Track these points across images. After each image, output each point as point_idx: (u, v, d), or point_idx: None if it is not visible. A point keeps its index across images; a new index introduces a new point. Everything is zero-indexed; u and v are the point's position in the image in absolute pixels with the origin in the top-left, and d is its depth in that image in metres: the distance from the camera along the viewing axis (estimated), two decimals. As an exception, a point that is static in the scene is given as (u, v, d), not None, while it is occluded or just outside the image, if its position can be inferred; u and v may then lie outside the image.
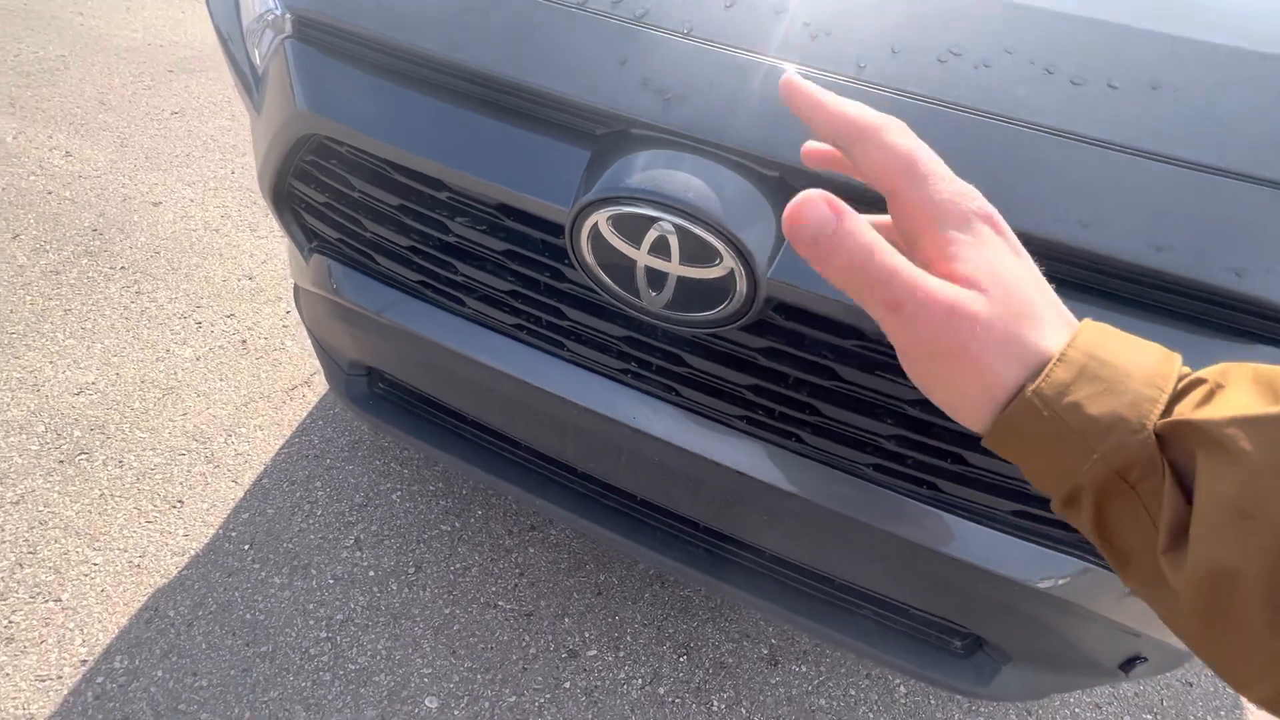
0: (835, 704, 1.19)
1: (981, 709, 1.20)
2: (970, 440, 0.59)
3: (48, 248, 1.84)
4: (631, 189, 0.51)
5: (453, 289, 0.73)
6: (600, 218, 0.53)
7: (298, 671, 1.14)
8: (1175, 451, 0.25)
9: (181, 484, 1.37)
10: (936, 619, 0.85)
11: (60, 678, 1.10)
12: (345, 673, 1.15)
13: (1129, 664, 0.81)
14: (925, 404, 0.58)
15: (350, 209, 0.73)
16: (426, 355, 0.82)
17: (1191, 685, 1.29)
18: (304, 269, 0.95)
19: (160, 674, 1.12)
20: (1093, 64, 0.49)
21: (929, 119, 0.50)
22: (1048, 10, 0.52)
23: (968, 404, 0.27)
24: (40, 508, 1.31)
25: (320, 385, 1.59)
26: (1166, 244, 0.45)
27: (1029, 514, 0.63)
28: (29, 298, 1.70)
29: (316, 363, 1.63)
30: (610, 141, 0.55)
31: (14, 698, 1.08)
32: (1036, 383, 0.26)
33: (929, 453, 0.60)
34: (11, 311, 1.66)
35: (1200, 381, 0.26)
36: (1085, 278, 0.49)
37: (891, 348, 0.55)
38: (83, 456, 1.39)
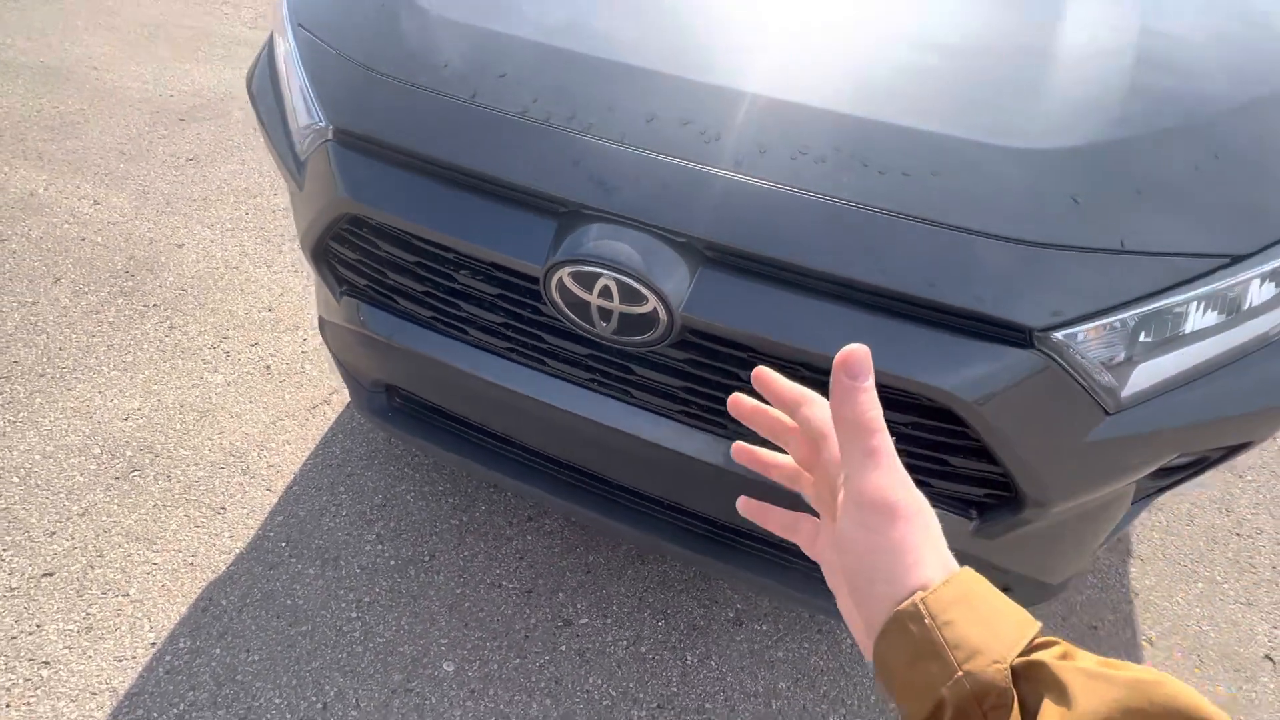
0: (791, 655, 1.40)
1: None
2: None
3: (86, 290, 2.05)
4: (583, 254, 0.73)
5: (458, 322, 0.95)
6: (564, 272, 0.75)
7: (334, 645, 1.35)
8: (1026, 690, 0.28)
9: (223, 493, 1.58)
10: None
11: (134, 658, 1.31)
12: (374, 645, 1.36)
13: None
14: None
15: (377, 263, 0.95)
16: (438, 373, 1.04)
17: (1096, 629, 1.51)
18: (334, 307, 1.17)
19: (219, 651, 1.33)
20: (891, 158, 0.72)
21: (786, 199, 0.73)
22: (863, 118, 0.75)
23: (874, 590, 0.30)
24: (103, 518, 1.51)
25: (338, 403, 1.80)
26: (937, 280, 0.67)
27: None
28: (74, 335, 1.91)
29: (334, 384, 1.84)
30: (569, 218, 0.77)
31: (98, 675, 1.28)
32: (926, 593, 0.29)
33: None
34: (60, 349, 1.87)
35: (1056, 643, 0.29)
36: (882, 305, 0.71)
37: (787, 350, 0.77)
38: (136, 473, 1.60)
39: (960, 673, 0.27)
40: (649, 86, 0.80)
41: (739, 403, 0.42)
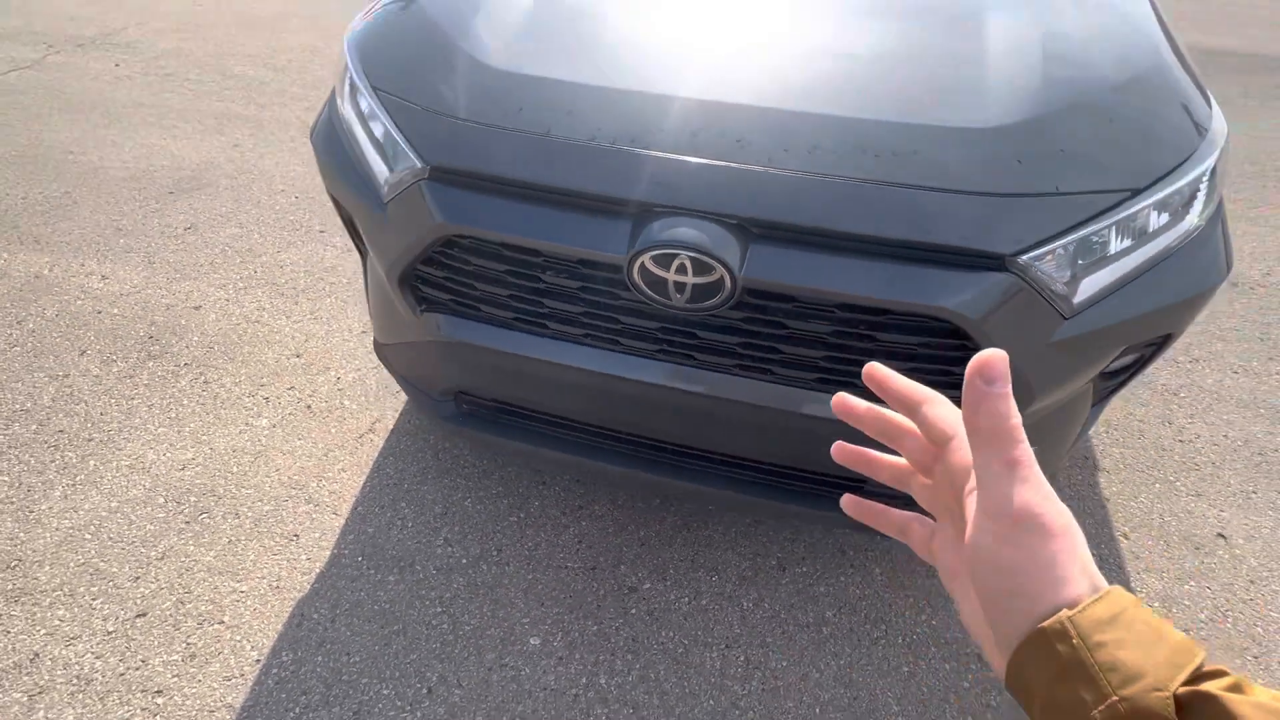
0: (832, 589, 1.60)
1: (936, 571, 1.63)
2: (871, 352, 1.03)
3: (114, 358, 2.13)
4: (662, 240, 0.94)
5: (539, 318, 1.13)
6: (645, 258, 0.95)
7: (426, 638, 1.48)
8: None
9: (292, 522, 1.69)
10: (884, 489, 1.28)
11: (243, 675, 1.41)
12: (463, 633, 1.49)
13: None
14: (842, 335, 1.02)
15: (465, 277, 1.13)
16: (515, 366, 1.22)
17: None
18: (402, 329, 1.34)
19: (320, 659, 1.44)
20: (884, 145, 0.96)
21: (809, 182, 0.96)
22: (858, 118, 1.00)
23: (1012, 605, 0.28)
24: (182, 558, 1.61)
25: (383, 430, 1.94)
26: (930, 227, 0.91)
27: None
28: (113, 401, 1.99)
29: (377, 413, 1.97)
30: (641, 216, 0.98)
31: (211, 695, 1.37)
32: (1075, 611, 0.26)
33: (847, 364, 1.04)
34: (101, 414, 1.95)
35: (1224, 673, 0.26)
36: (892, 252, 0.94)
37: (811, 307, 0.99)
38: (204, 515, 1.70)
39: (1115, 697, 0.25)
40: (688, 109, 1.02)
41: (848, 404, 0.39)
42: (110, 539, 1.64)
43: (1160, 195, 1.01)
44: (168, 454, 1.84)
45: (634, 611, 1.54)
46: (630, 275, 0.98)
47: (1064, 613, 0.27)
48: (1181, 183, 1.02)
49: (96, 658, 1.42)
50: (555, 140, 1.02)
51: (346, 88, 1.29)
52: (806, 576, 1.62)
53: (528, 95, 1.07)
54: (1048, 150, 0.98)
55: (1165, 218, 1.05)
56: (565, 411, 1.30)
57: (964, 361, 1.04)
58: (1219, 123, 1.12)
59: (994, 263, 0.93)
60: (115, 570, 1.57)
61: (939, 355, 1.01)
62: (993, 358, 0.30)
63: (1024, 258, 0.93)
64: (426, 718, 1.35)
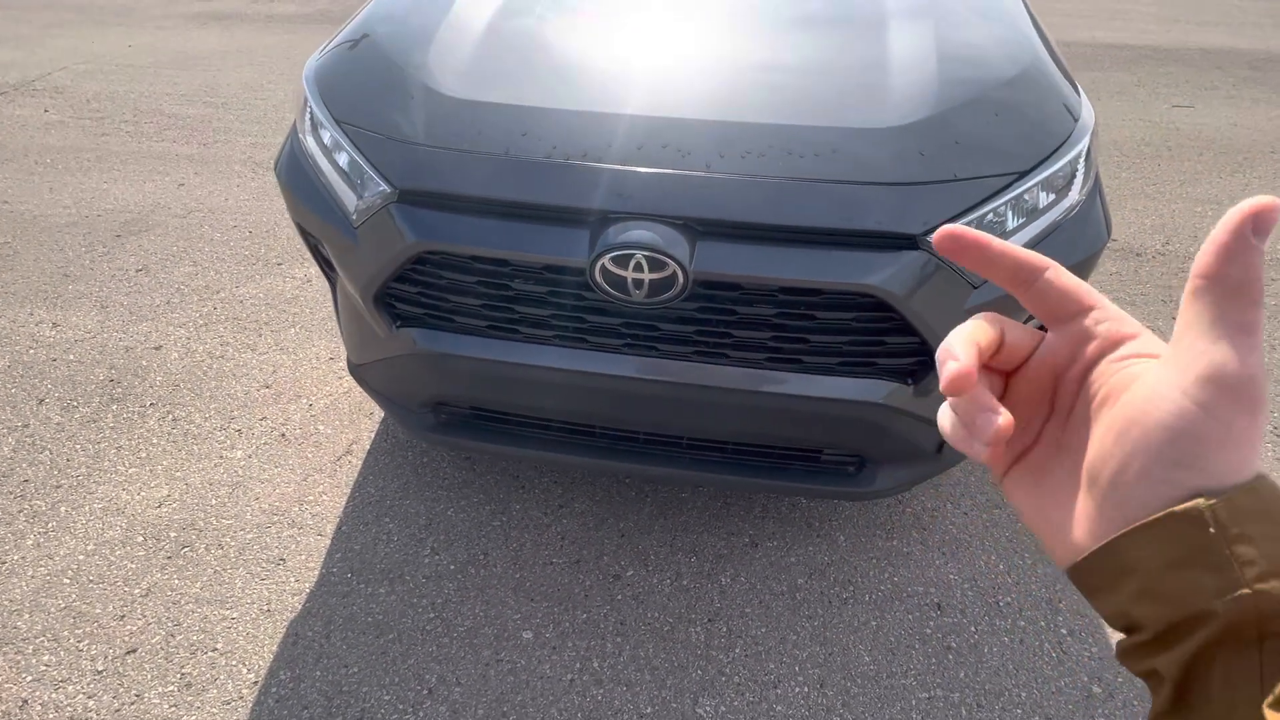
0: (801, 558, 1.72)
1: (894, 531, 1.76)
2: (810, 329, 1.16)
3: (75, 404, 2.11)
4: (619, 243, 1.04)
5: (511, 324, 1.22)
6: (605, 259, 1.06)
7: (422, 643, 1.53)
8: None
9: (277, 547, 1.72)
10: (837, 456, 1.41)
11: (242, 697, 1.43)
12: (457, 634, 1.55)
13: (940, 447, 1.40)
14: (785, 315, 1.14)
15: (437, 291, 1.22)
16: (491, 371, 1.30)
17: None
18: (378, 345, 1.41)
19: (319, 673, 1.48)
20: (806, 147, 1.10)
21: (744, 183, 1.08)
22: (782, 124, 1.13)
23: (1170, 476, 0.24)
24: (168, 593, 1.62)
25: (360, 452, 1.98)
26: (850, 216, 1.05)
27: (851, 364, 1.20)
28: (78, 446, 1.97)
29: (352, 435, 2.01)
30: (599, 222, 1.08)
31: (211, 719, 1.40)
32: (1219, 499, 0.24)
33: (792, 341, 1.17)
34: (68, 460, 1.93)
35: None
36: (820, 239, 1.07)
37: (757, 293, 1.11)
38: (186, 549, 1.71)
39: (1248, 590, 0.23)
40: (633, 125, 1.14)
41: (954, 233, 0.31)
42: (90, 581, 1.63)
43: (1044, 175, 1.17)
44: (142, 493, 1.84)
45: (620, 597, 1.62)
46: (593, 276, 1.08)
47: (1201, 500, 0.24)
48: (1061, 163, 1.19)
49: (89, 698, 1.42)
50: (514, 159, 1.12)
51: (308, 121, 1.36)
52: (777, 549, 1.73)
53: (485, 120, 1.17)
54: (945, 143, 1.13)
55: (1051, 196, 1.22)
56: (541, 411, 1.39)
57: (892, 332, 1.17)
58: (1088, 110, 1.30)
59: (907, 242, 1.07)
60: (99, 611, 1.57)
61: (870, 327, 1.15)
62: (1269, 205, 0.24)
63: (932, 236, 1.07)
64: (429, 717, 1.40)
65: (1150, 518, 0.25)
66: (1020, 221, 1.18)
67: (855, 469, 1.42)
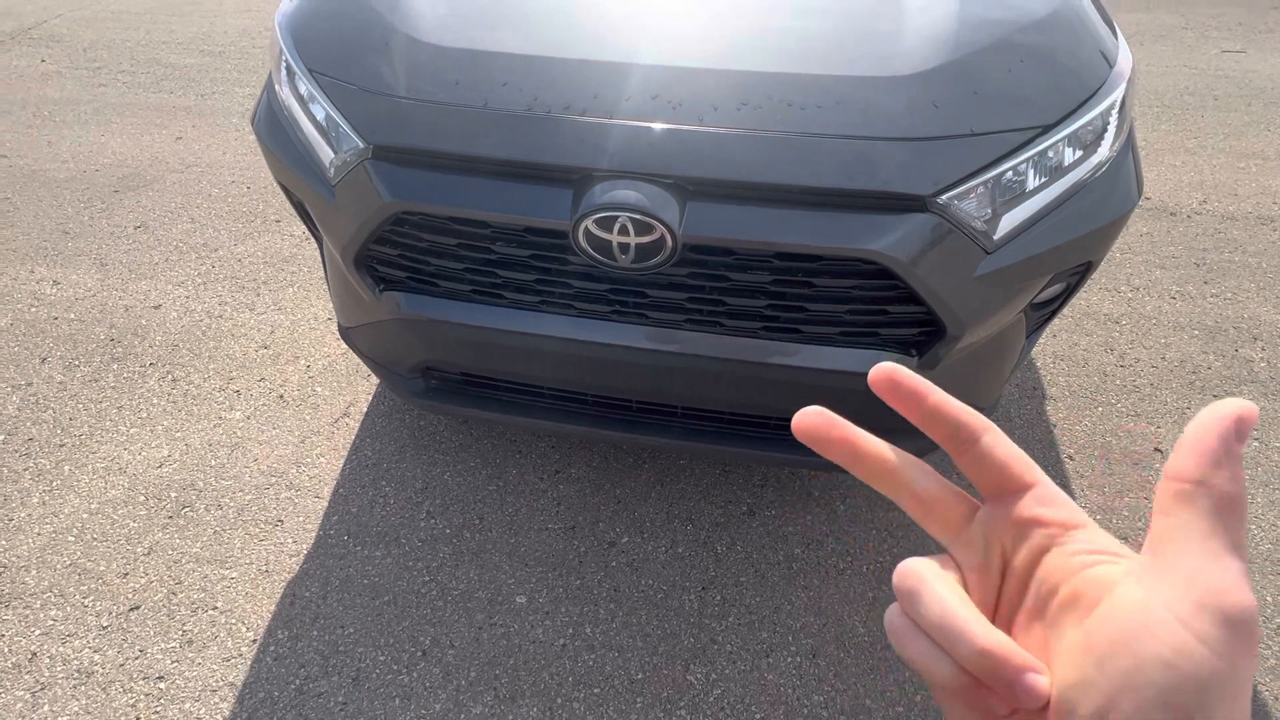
0: (799, 528, 1.69)
1: (894, 504, 1.72)
2: (809, 297, 1.09)
3: (77, 362, 2.11)
4: (602, 204, 0.97)
5: (495, 288, 1.17)
6: (588, 221, 0.99)
7: (417, 606, 1.54)
8: None
9: (275, 509, 1.73)
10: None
11: (241, 654, 1.46)
12: (452, 597, 1.55)
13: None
14: (782, 282, 1.07)
15: (419, 253, 1.16)
16: (477, 337, 1.26)
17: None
18: (364, 311, 1.37)
19: (315, 633, 1.50)
20: (807, 98, 1.00)
21: (738, 138, 1.00)
22: (782, 73, 1.03)
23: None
24: (170, 552, 1.64)
25: (357, 414, 1.97)
26: (855, 174, 0.96)
27: (851, 334, 1.14)
28: (80, 405, 1.98)
29: (350, 397, 2.00)
30: (582, 181, 1.01)
31: (211, 676, 1.43)
32: None
33: (789, 310, 1.10)
34: (71, 420, 1.94)
35: None
36: (821, 201, 0.99)
37: (749, 260, 1.04)
38: (186, 509, 1.73)
39: None
40: (619, 75, 1.05)
41: (892, 376, 0.29)
42: (94, 539, 1.66)
43: (1071, 129, 1.07)
44: (143, 453, 1.85)
45: (614, 564, 1.62)
46: (575, 239, 1.02)
47: None
48: (1091, 115, 1.08)
49: (95, 651, 1.46)
50: (493, 112, 1.04)
51: (283, 72, 1.29)
52: (775, 519, 1.70)
53: (463, 69, 1.09)
54: (962, 93, 1.03)
55: (1078, 152, 1.11)
56: (529, 377, 1.35)
57: (897, 301, 1.10)
58: (1125, 56, 1.18)
59: (916, 204, 0.98)
60: (103, 568, 1.60)
61: (873, 296, 1.07)
62: (1247, 409, 0.22)
63: (943, 197, 0.99)
64: (423, 677, 1.42)
65: None
66: (1041, 181, 1.09)
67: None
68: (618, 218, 0.98)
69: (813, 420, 0.29)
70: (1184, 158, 3.13)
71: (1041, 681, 0.24)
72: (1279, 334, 2.21)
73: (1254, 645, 0.22)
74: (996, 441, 0.28)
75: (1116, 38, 1.21)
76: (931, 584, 0.26)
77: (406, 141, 1.06)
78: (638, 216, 0.97)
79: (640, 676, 1.42)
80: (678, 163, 0.99)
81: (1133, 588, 0.23)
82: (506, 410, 1.42)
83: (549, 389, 1.40)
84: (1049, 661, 0.24)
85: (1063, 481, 1.79)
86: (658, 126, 1.00)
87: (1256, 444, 1.88)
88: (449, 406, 1.44)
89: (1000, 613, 0.27)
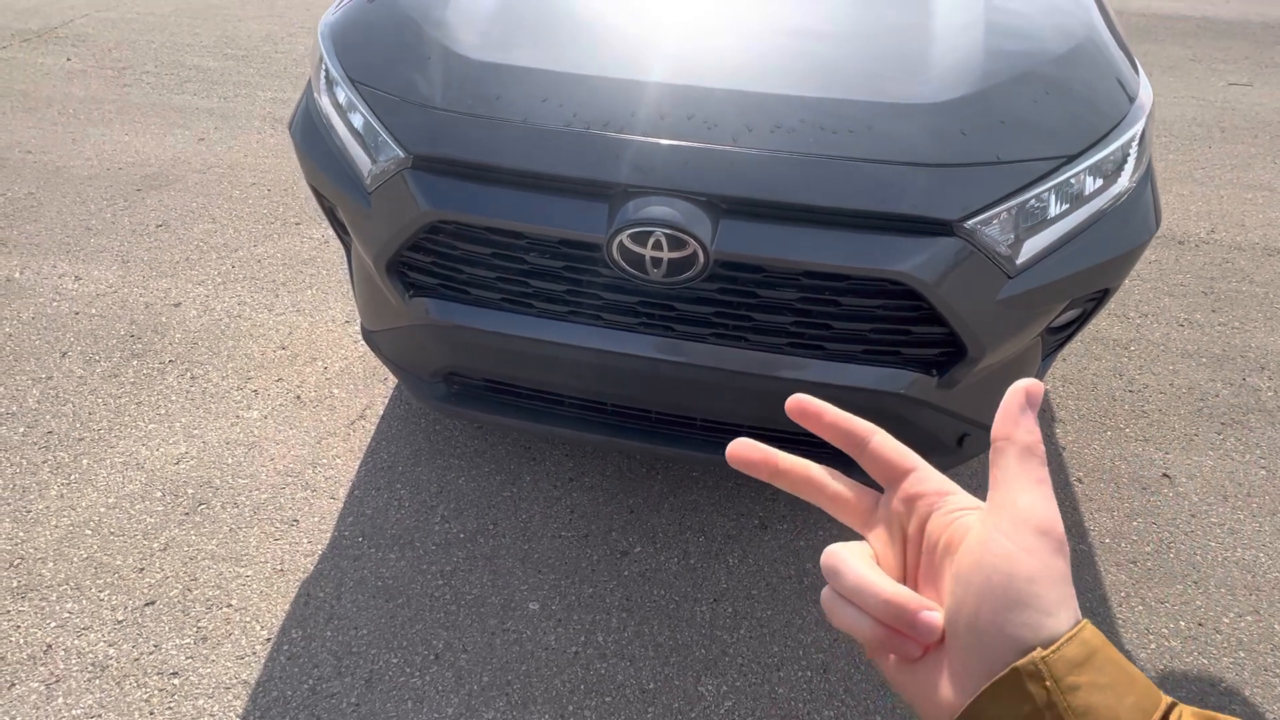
0: (811, 543, 1.70)
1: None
2: (834, 315, 1.11)
3: (97, 358, 2.14)
4: (638, 219, 1.00)
5: (525, 297, 1.19)
6: (623, 236, 1.01)
7: (430, 609, 1.55)
8: None
9: (291, 508, 1.74)
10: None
11: (255, 653, 1.47)
12: (465, 602, 1.56)
13: (961, 440, 1.36)
14: (808, 300, 1.09)
15: (451, 261, 1.19)
16: (503, 345, 1.28)
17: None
18: (390, 315, 1.39)
19: (329, 633, 1.50)
20: (840, 122, 1.03)
21: (772, 159, 1.03)
22: (815, 97, 1.06)
23: (1009, 620, 0.27)
24: (185, 548, 1.65)
25: (374, 417, 1.98)
26: (884, 198, 0.99)
27: (874, 352, 1.16)
28: (99, 400, 2.00)
29: (367, 400, 2.02)
30: (618, 197, 1.04)
31: (225, 673, 1.44)
32: (1048, 652, 0.26)
33: (814, 328, 1.12)
34: (90, 414, 1.96)
35: (1179, 707, 0.27)
36: (850, 221, 1.02)
37: (780, 277, 1.07)
38: (203, 506, 1.74)
39: None
40: (657, 94, 1.08)
41: (805, 406, 0.36)
42: (111, 533, 1.67)
43: (1093, 160, 1.10)
44: (160, 449, 1.87)
45: (626, 573, 1.63)
46: (610, 253, 1.04)
47: (1038, 652, 0.26)
48: (1113, 147, 1.11)
49: (110, 645, 1.46)
50: (533, 127, 1.07)
51: (323, 80, 1.32)
52: (788, 533, 1.72)
53: (503, 84, 1.12)
54: (989, 122, 1.06)
55: (1099, 182, 1.14)
56: (553, 386, 1.37)
57: (920, 321, 1.12)
58: (1146, 90, 1.21)
59: (943, 228, 1.01)
60: (119, 563, 1.61)
61: (897, 316, 1.10)
62: (1035, 385, 0.32)
63: (970, 223, 1.02)
64: (435, 681, 1.43)
65: (999, 675, 0.27)
66: (1064, 208, 1.11)
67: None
68: (653, 233, 1.00)
69: (740, 449, 0.36)
70: (1192, 187, 3.17)
71: (934, 616, 0.30)
72: (1286, 364, 2.23)
73: (1060, 546, 0.29)
74: (884, 441, 0.36)
75: (1137, 71, 1.24)
76: (847, 559, 0.33)
77: (447, 152, 1.09)
78: (672, 232, 1.00)
79: (652, 686, 1.43)
80: (712, 181, 1.02)
81: (979, 525, 0.30)
82: (527, 417, 1.44)
83: (570, 397, 1.42)
84: (943, 600, 0.31)
85: (1072, 504, 1.81)
86: (694, 145, 1.03)
87: (1264, 472, 1.89)
88: (470, 411, 1.46)
89: (909, 575, 0.34)
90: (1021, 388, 0.32)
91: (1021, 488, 0.30)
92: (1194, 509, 1.80)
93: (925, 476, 0.34)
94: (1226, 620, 1.56)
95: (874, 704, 1.41)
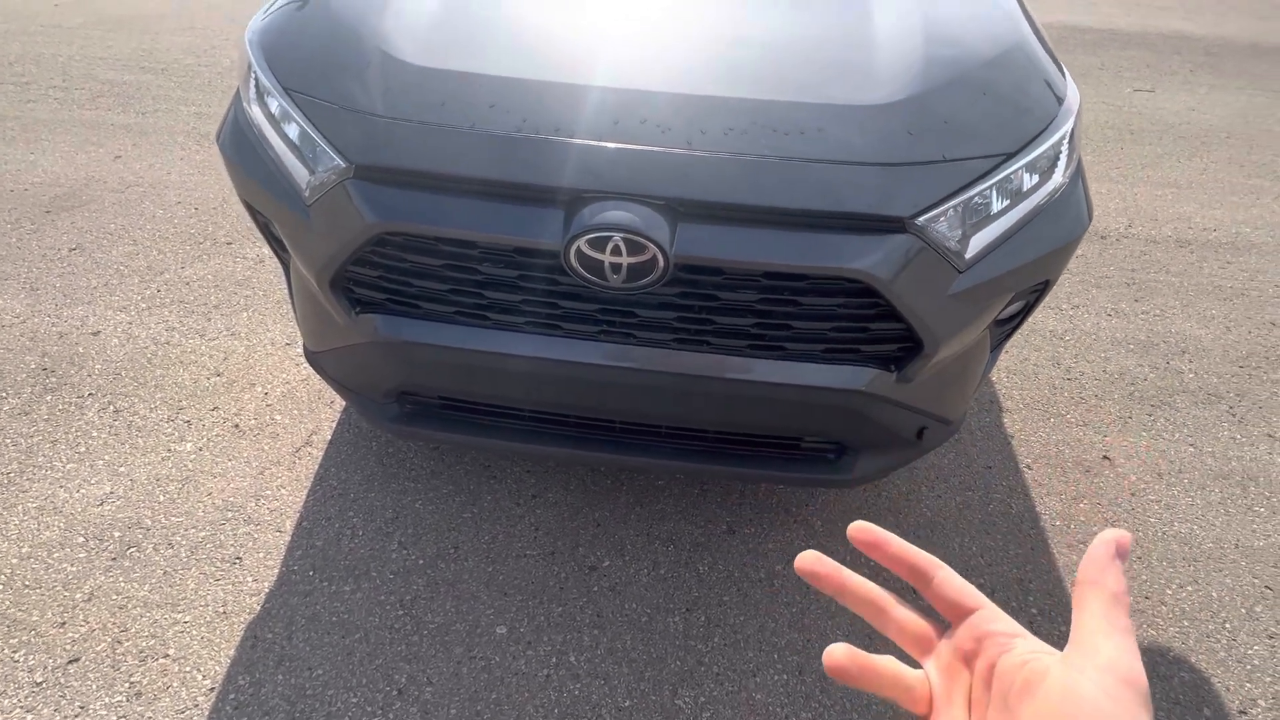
0: (778, 545, 1.70)
1: (870, 516, 1.76)
2: (795, 315, 1.12)
3: (4, 394, 1.96)
4: (595, 225, 0.98)
5: (480, 310, 1.15)
6: (580, 242, 0.99)
7: (391, 642, 1.47)
8: None
9: (233, 545, 1.63)
10: (816, 444, 1.39)
11: (197, 705, 1.36)
12: (428, 631, 1.49)
13: (920, 433, 1.38)
14: (769, 301, 1.09)
15: (399, 275, 1.13)
16: (460, 360, 1.23)
17: (990, 468, 1.94)
18: (337, 332, 1.32)
19: (280, 677, 1.40)
20: (791, 124, 1.04)
21: (726, 162, 1.03)
22: (766, 100, 1.07)
23: None
24: (114, 596, 1.52)
25: (320, 443, 1.88)
26: (838, 197, 1.00)
27: (834, 351, 1.17)
28: (8, 440, 1.83)
29: (312, 425, 1.91)
30: (574, 202, 1.01)
31: (164, 731, 1.32)
32: None
33: (775, 329, 1.12)
34: (-3, 456, 1.79)
35: None
36: (806, 221, 1.02)
37: (739, 280, 1.06)
38: (132, 549, 1.61)
39: None
40: (609, 99, 1.06)
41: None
42: (26, 586, 1.52)
43: (1029, 158, 1.14)
44: (82, 491, 1.72)
45: (596, 589, 1.59)
46: (567, 260, 1.02)
47: None
48: (1046, 145, 1.16)
49: (27, 712, 1.32)
50: (482, 133, 1.04)
51: (253, 89, 1.25)
52: (755, 536, 1.71)
53: (449, 90, 1.08)
54: (933, 122, 1.09)
55: (1036, 178, 1.19)
56: (512, 400, 1.33)
57: (877, 318, 1.14)
58: (1073, 91, 1.28)
59: (896, 225, 1.03)
60: (36, 619, 1.47)
61: (855, 314, 1.11)
62: (1123, 536, 0.33)
63: (921, 219, 1.04)
64: (399, 718, 1.35)
65: None
66: (1005, 204, 1.15)
67: (834, 456, 1.39)
68: (611, 238, 0.98)
69: (808, 563, 0.38)
70: (1109, 185, 3.38)
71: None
72: (1204, 348, 2.39)
73: (1147, 701, 0.29)
74: (948, 577, 0.37)
75: (1063, 75, 1.31)
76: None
77: (392, 161, 1.05)
78: (630, 236, 0.98)
79: (628, 704, 1.39)
80: (670, 184, 1.01)
81: (1062, 670, 0.31)
82: (485, 434, 1.39)
83: (530, 411, 1.38)
84: None
85: (1024, 490, 1.87)
86: (649, 149, 1.02)
87: (1191, 449, 2.01)
88: (425, 431, 1.40)
89: (974, 710, 0.34)
90: (1111, 537, 0.32)
91: (1106, 636, 0.31)
92: (1133, 488, 1.90)
93: (993, 615, 0.35)
94: (1170, 592, 1.64)
95: (851, 703, 1.41)
